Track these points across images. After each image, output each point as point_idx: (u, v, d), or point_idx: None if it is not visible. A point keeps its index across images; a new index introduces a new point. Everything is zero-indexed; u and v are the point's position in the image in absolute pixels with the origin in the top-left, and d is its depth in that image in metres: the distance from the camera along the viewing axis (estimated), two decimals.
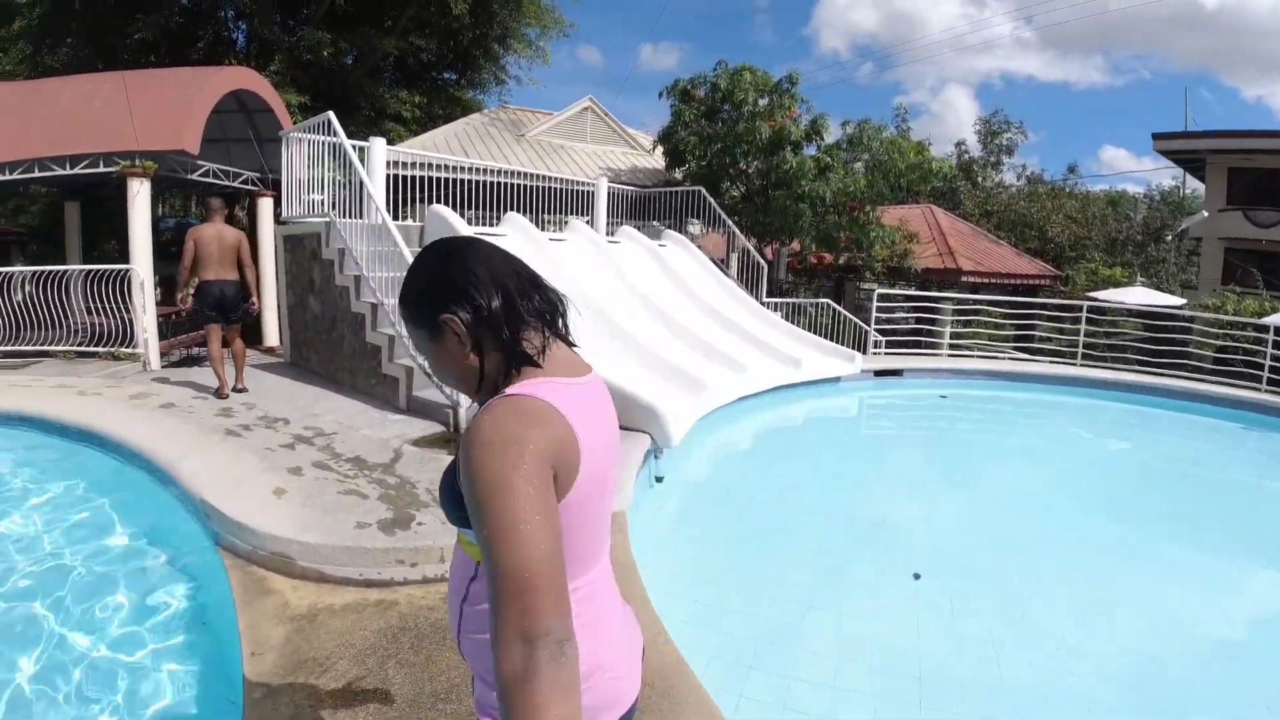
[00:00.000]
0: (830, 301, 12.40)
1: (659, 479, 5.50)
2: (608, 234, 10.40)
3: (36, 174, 8.17)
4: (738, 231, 11.86)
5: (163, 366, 8.33)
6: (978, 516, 5.64)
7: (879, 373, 10.15)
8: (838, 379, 9.27)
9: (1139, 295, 13.60)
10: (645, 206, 12.47)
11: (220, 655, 2.85)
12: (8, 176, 8.14)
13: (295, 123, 9.66)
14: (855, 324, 11.74)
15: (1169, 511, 6.05)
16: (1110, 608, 4.07)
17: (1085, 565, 4.63)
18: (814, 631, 3.57)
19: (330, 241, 7.09)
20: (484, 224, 8.83)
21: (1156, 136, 21.97)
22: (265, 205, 10.97)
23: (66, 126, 8.26)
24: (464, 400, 5.41)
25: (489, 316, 1.08)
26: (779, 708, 2.87)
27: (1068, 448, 8.11)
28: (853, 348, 10.25)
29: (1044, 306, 13.08)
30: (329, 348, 7.36)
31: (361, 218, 6.77)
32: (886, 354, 11.38)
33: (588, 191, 11.11)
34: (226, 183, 10.38)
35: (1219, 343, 11.50)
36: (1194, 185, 26.79)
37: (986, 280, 15.66)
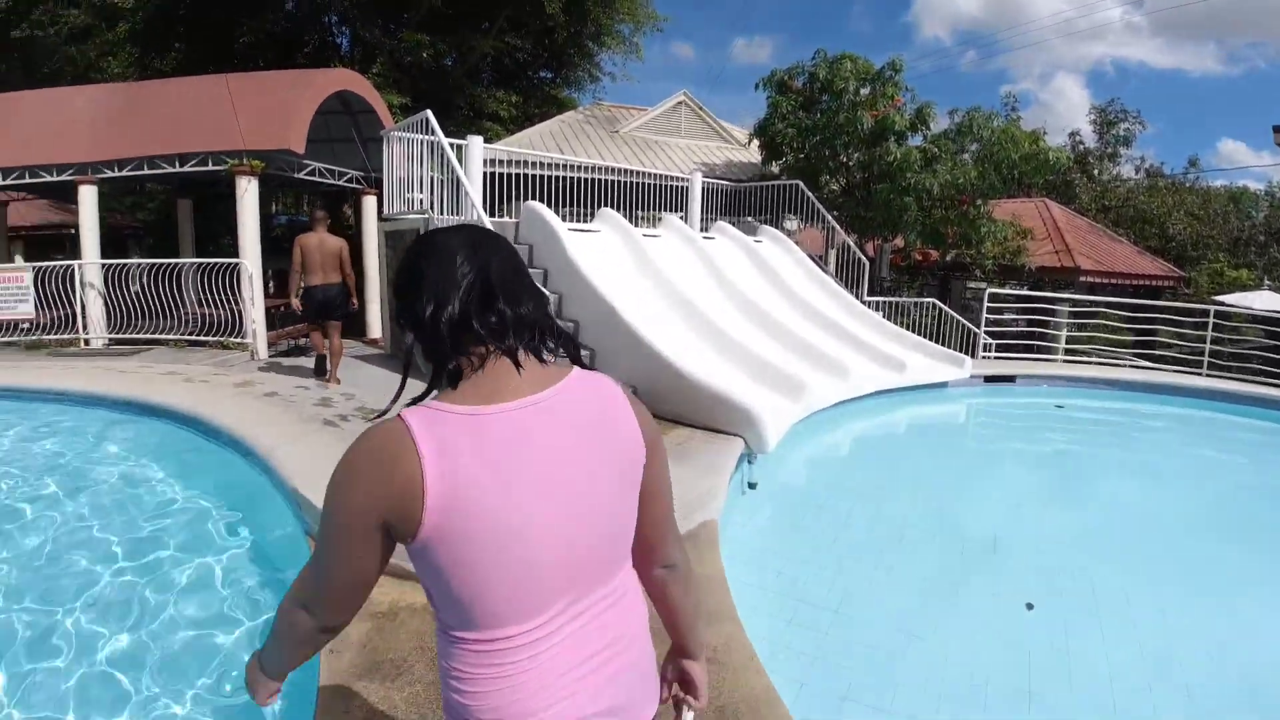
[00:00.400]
0: (936, 301, 11.70)
1: (752, 485, 5.21)
2: (702, 230, 10.14)
3: (147, 171, 8.62)
4: (837, 227, 11.36)
5: (270, 356, 8.66)
6: (1097, 541, 5.03)
7: (989, 378, 9.47)
8: (944, 384, 8.70)
9: (1266, 300, 12.26)
10: (740, 201, 12.14)
11: None
12: (119, 174, 8.64)
13: (396, 122, 9.87)
14: (963, 326, 11.05)
15: None
16: (1247, 650, 3.53)
17: (1217, 600, 4.06)
18: (915, 662, 3.22)
19: None
20: (578, 220, 8.74)
21: (1278, 129, 19.76)
22: (369, 203, 11.29)
23: (175, 126, 8.68)
24: None
25: (419, 323, 1.04)
26: None
27: (1195, 467, 7.25)
28: (960, 351, 9.61)
29: (1168, 310, 11.94)
30: None
31: (458, 214, 6.78)
32: (997, 358, 10.64)
33: (682, 187, 10.89)
34: (331, 181, 10.73)
35: None
36: None
37: (1106, 281, 14.46)
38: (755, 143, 13.75)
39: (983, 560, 4.58)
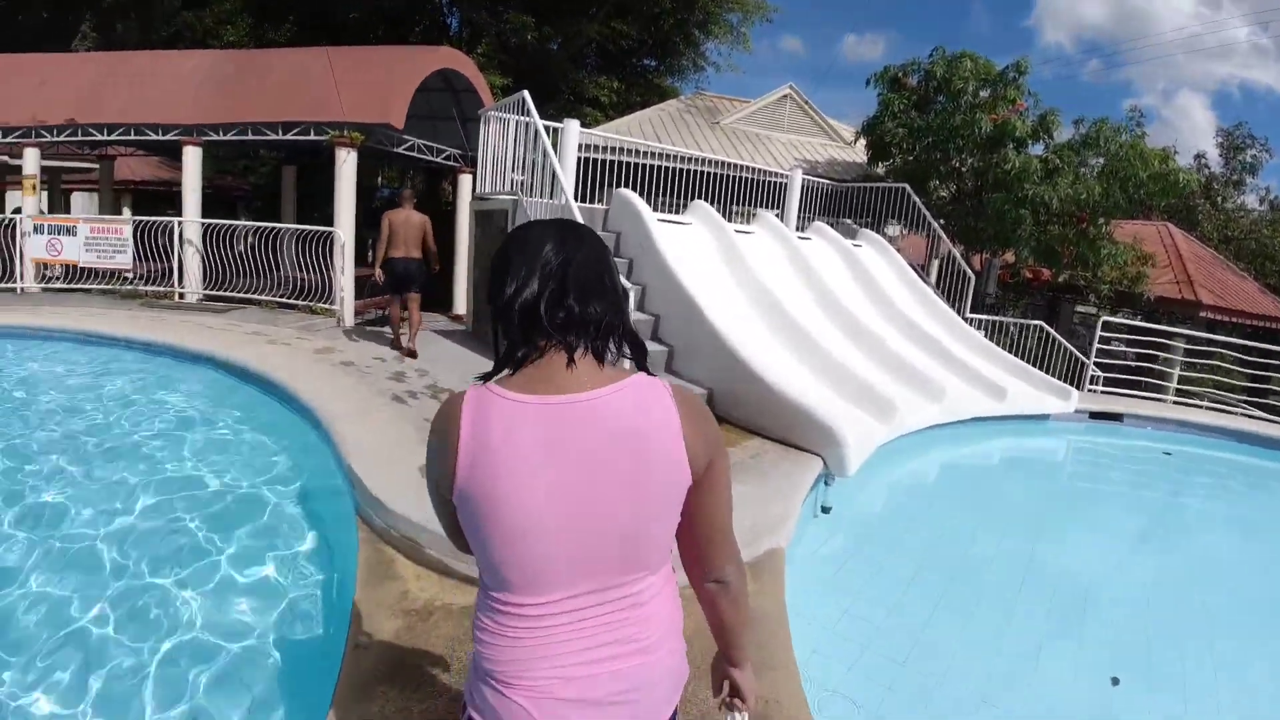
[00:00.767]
0: (1043, 324, 10.86)
1: (826, 509, 4.84)
2: (798, 229, 9.70)
3: (250, 137, 8.85)
4: (944, 236, 10.68)
5: (356, 324, 8.79)
6: (1197, 613, 4.41)
7: (1094, 415, 8.68)
8: (1046, 417, 8.01)
9: None
10: (841, 202, 11.58)
11: (327, 636, 2.70)
12: (222, 138, 8.90)
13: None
14: (1070, 354, 10.20)
15: None
16: None
17: None
18: None
19: (516, 219, 7.04)
20: (671, 211, 8.47)
21: None
22: (465, 181, 11.36)
23: (279, 95, 8.87)
24: None
25: (499, 308, 1.13)
26: None
27: None
28: (1065, 381, 8.85)
29: None
30: None
31: (549, 198, 6.63)
32: (1104, 393, 9.78)
33: (780, 183, 10.45)
34: (430, 158, 10.83)
35: None
36: None
37: (1227, 319, 13.11)
38: (861, 142, 13.12)
39: (1071, 619, 4.09)
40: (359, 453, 3.73)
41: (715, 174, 10.01)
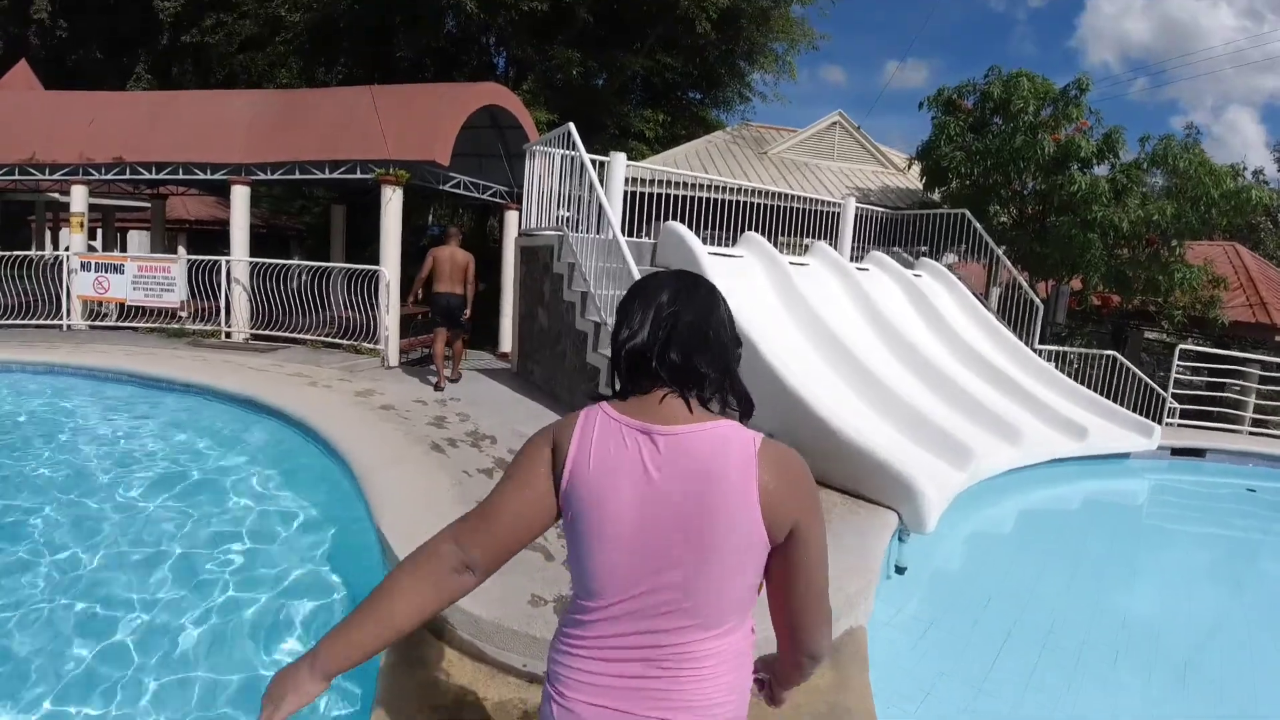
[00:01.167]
0: (1117, 354, 10.19)
1: (900, 570, 4.38)
2: (853, 259, 9.28)
3: (298, 176, 8.87)
4: (1008, 263, 10.12)
5: (401, 364, 8.65)
6: None
7: (1176, 451, 8.01)
8: (1126, 455, 7.38)
9: None
10: (897, 230, 11.12)
11: None
12: (270, 176, 8.93)
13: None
14: (1145, 385, 9.51)
15: None
16: None
17: None
18: None
19: (561, 255, 6.81)
20: (719, 243, 8.17)
21: None
22: (511, 218, 11.28)
23: (326, 134, 8.90)
24: None
25: (614, 348, 1.23)
26: None
27: None
28: (1140, 414, 8.20)
29: None
30: (552, 362, 7.12)
31: (596, 233, 6.40)
32: (1179, 425, 9.06)
33: (833, 213, 10.08)
34: (476, 195, 10.77)
35: None
36: None
37: None
38: (915, 168, 12.68)
39: (1173, 687, 3.61)
40: (390, 510, 3.45)
41: (765, 204, 9.69)
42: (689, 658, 1.11)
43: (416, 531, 3.20)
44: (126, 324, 9.29)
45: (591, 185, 6.26)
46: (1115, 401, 8.58)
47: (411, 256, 13.42)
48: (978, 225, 10.11)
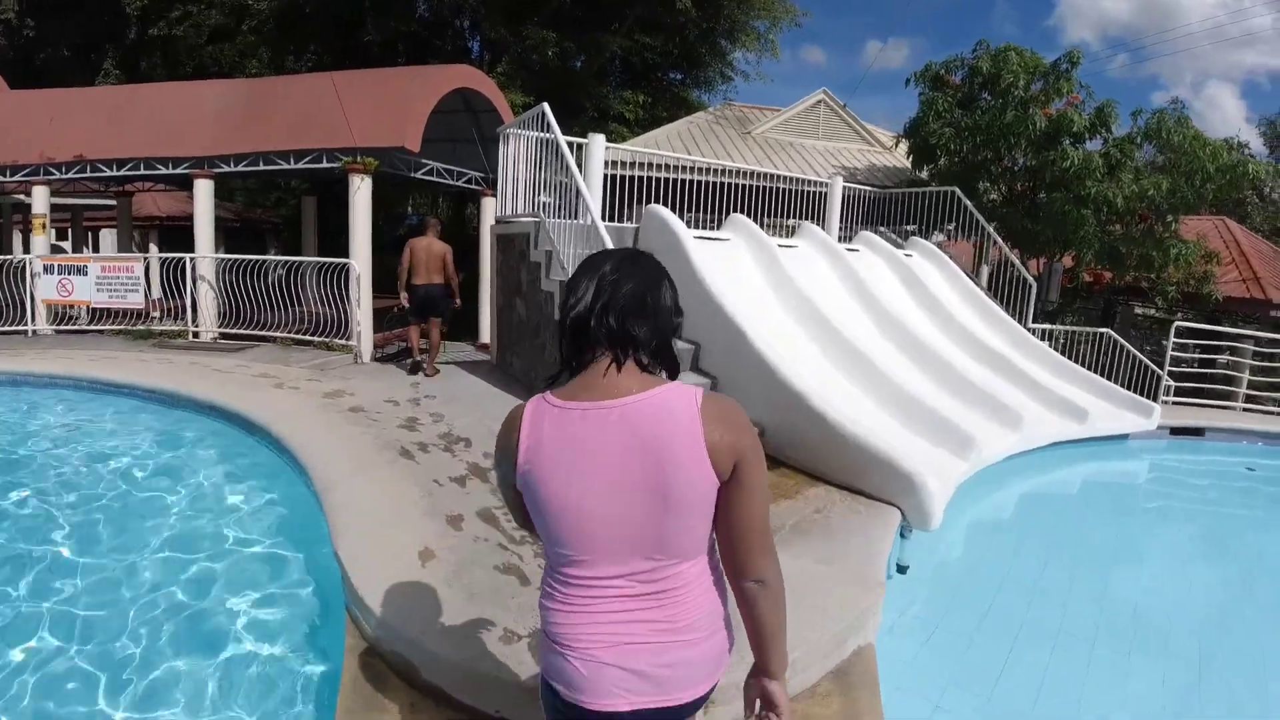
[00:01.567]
0: (1111, 332, 10.00)
1: (902, 569, 4.12)
2: (840, 240, 8.99)
3: (262, 167, 8.46)
4: (1000, 241, 9.87)
5: (375, 360, 8.30)
6: None
7: (1175, 430, 7.84)
8: (1125, 436, 7.18)
9: None
10: (885, 210, 10.84)
11: None
12: (234, 169, 8.51)
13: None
14: (1140, 364, 9.33)
15: None
16: None
17: None
18: None
19: (538, 243, 6.47)
20: (705, 227, 7.85)
21: None
22: (488, 205, 10.89)
23: (290, 123, 8.47)
24: None
25: (559, 320, 1.33)
26: None
27: None
28: (1135, 393, 8.01)
29: None
30: (532, 354, 6.79)
31: (574, 219, 6.06)
32: (1174, 403, 8.89)
33: (819, 193, 9.77)
34: (450, 182, 10.38)
35: None
36: None
37: None
38: (902, 146, 12.38)
39: (1189, 688, 3.40)
40: (351, 531, 3.13)
41: (750, 186, 9.36)
42: (675, 589, 1.26)
43: (377, 558, 2.90)
44: (93, 327, 8.89)
45: (569, 169, 5.91)
46: (1109, 380, 8.39)
47: (388, 246, 13.02)
48: (968, 203, 9.85)
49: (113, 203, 15.32)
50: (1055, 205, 9.92)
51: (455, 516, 3.34)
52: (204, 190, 8.80)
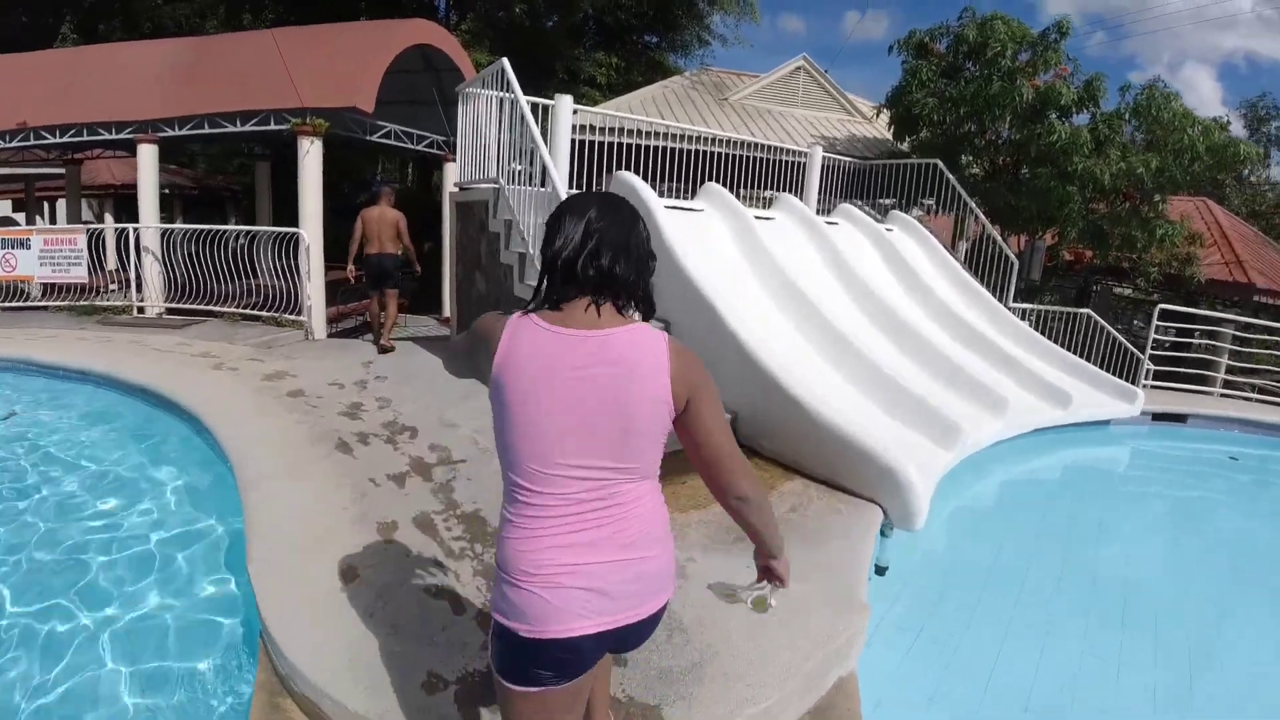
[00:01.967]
0: (1091, 313, 9.81)
1: (880, 570, 3.82)
2: (819, 213, 8.63)
3: (207, 130, 7.86)
4: (983, 217, 9.57)
5: (329, 335, 7.83)
6: None
7: (1157, 417, 7.67)
8: (1107, 422, 6.99)
9: None
10: (865, 182, 10.48)
11: None
12: (178, 133, 7.91)
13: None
14: (1121, 346, 9.17)
15: None
16: None
17: None
18: None
19: (497, 211, 6.02)
20: (678, 196, 7.44)
21: None
22: (450, 170, 10.32)
23: (239, 83, 7.86)
24: None
25: (548, 258, 1.40)
26: None
27: None
28: (1118, 376, 7.83)
29: None
30: None
31: (541, 185, 5.60)
32: (1152, 387, 8.73)
33: (798, 163, 9.38)
34: (410, 146, 9.81)
35: None
36: None
37: (1275, 301, 11.92)
38: (883, 117, 11.99)
39: (1181, 677, 3.24)
40: (266, 542, 2.75)
41: (726, 154, 8.94)
42: (629, 504, 1.36)
43: (293, 579, 2.51)
44: (49, 303, 8.31)
45: (531, 133, 5.44)
46: (1088, 362, 8.19)
47: (347, 214, 12.39)
48: (950, 176, 9.52)
49: (60, 171, 14.52)
50: (1040, 181, 9.63)
51: (388, 524, 2.96)
52: (148, 155, 8.18)
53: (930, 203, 10.07)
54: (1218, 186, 21.15)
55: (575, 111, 6.59)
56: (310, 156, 7.44)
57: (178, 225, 8.23)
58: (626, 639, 1.39)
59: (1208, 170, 9.92)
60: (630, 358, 1.32)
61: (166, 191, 17.03)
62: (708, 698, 2.05)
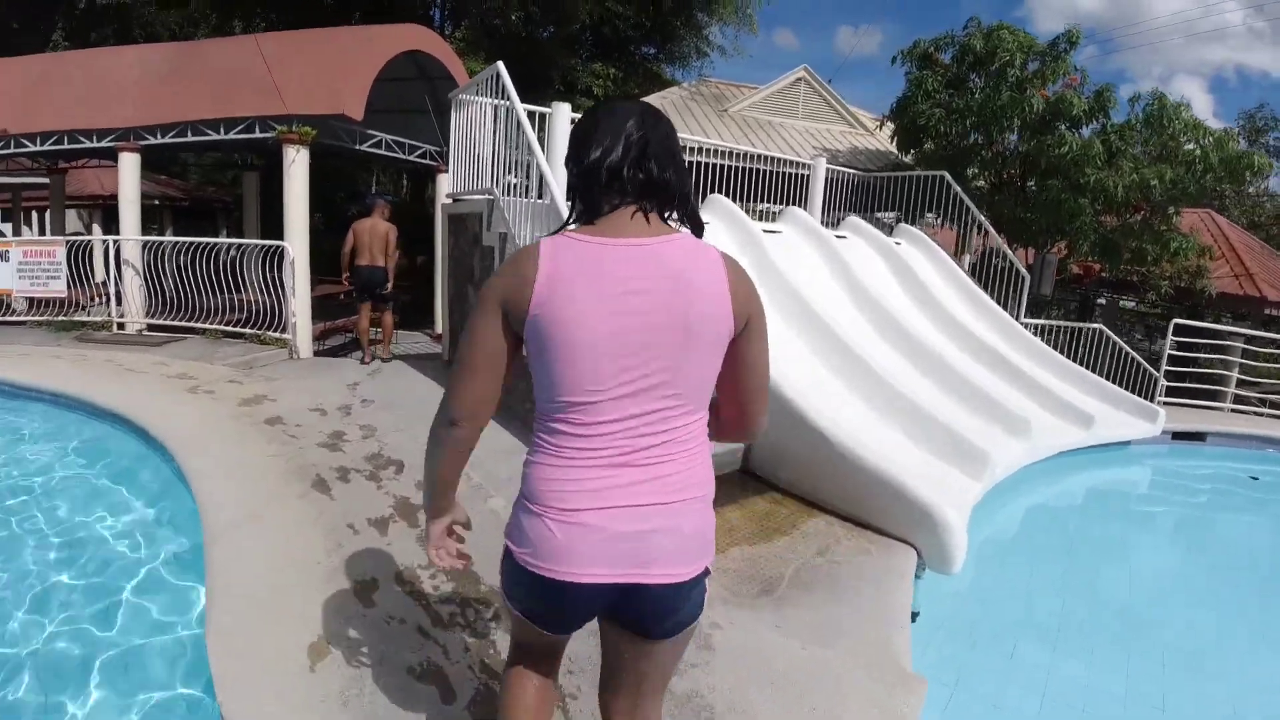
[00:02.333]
0: (1104, 328, 9.54)
1: (913, 616, 3.49)
2: (825, 226, 8.32)
3: (190, 138, 7.53)
4: (993, 231, 9.29)
5: (315, 353, 7.47)
6: None
7: (1177, 435, 7.40)
8: (1127, 443, 6.69)
9: None
10: (869, 194, 10.20)
11: None
12: (161, 140, 7.58)
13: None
14: (1132, 362, 8.91)
15: None
16: None
17: None
18: None
19: (492, 224, 5.70)
20: None
21: None
22: (444, 181, 9.99)
23: (222, 89, 7.53)
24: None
25: (585, 168, 1.27)
26: None
27: None
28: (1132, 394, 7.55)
29: None
30: None
31: (538, 197, 5.27)
32: (1164, 403, 8.45)
33: (801, 175, 9.09)
34: (403, 156, 9.49)
35: None
36: None
37: None
38: (886, 129, 11.74)
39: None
40: (231, 604, 2.39)
41: (727, 166, 8.65)
42: (679, 440, 1.25)
43: (254, 657, 2.15)
44: (32, 318, 7.97)
45: (528, 140, 5.12)
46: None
47: (340, 228, 12.03)
48: (958, 189, 9.25)
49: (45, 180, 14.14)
50: (1051, 193, 9.36)
51: (367, 583, 2.60)
52: (129, 165, 7.83)
53: (931, 216, 9.82)
54: (1217, 197, 21.06)
55: (574, 120, 6.29)
56: (296, 166, 7.10)
57: (155, 238, 7.86)
58: (649, 609, 1.25)
59: (1218, 182, 9.68)
60: (688, 272, 1.21)
61: (156, 203, 16.70)
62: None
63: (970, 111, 9.81)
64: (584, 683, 2.05)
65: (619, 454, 1.20)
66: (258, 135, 7.37)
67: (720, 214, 6.33)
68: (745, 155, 9.22)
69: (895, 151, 11.72)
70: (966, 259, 9.96)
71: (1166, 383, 8.68)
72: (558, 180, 5.04)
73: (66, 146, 8.20)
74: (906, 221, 9.55)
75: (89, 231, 17.49)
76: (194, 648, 2.41)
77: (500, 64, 5.36)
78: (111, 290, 7.81)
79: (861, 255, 7.28)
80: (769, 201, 9.43)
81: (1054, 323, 9.86)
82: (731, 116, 12.79)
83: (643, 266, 1.20)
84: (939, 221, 10.04)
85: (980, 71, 10.12)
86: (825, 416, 4.01)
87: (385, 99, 8.52)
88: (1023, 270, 9.00)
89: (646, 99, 13.31)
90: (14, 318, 7.97)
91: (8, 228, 15.81)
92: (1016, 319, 8.43)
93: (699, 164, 8.57)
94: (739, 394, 1.34)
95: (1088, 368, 8.56)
